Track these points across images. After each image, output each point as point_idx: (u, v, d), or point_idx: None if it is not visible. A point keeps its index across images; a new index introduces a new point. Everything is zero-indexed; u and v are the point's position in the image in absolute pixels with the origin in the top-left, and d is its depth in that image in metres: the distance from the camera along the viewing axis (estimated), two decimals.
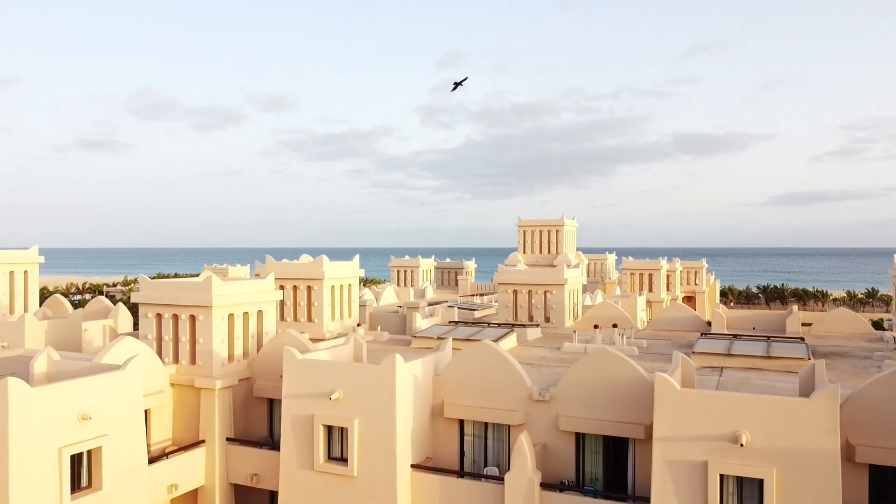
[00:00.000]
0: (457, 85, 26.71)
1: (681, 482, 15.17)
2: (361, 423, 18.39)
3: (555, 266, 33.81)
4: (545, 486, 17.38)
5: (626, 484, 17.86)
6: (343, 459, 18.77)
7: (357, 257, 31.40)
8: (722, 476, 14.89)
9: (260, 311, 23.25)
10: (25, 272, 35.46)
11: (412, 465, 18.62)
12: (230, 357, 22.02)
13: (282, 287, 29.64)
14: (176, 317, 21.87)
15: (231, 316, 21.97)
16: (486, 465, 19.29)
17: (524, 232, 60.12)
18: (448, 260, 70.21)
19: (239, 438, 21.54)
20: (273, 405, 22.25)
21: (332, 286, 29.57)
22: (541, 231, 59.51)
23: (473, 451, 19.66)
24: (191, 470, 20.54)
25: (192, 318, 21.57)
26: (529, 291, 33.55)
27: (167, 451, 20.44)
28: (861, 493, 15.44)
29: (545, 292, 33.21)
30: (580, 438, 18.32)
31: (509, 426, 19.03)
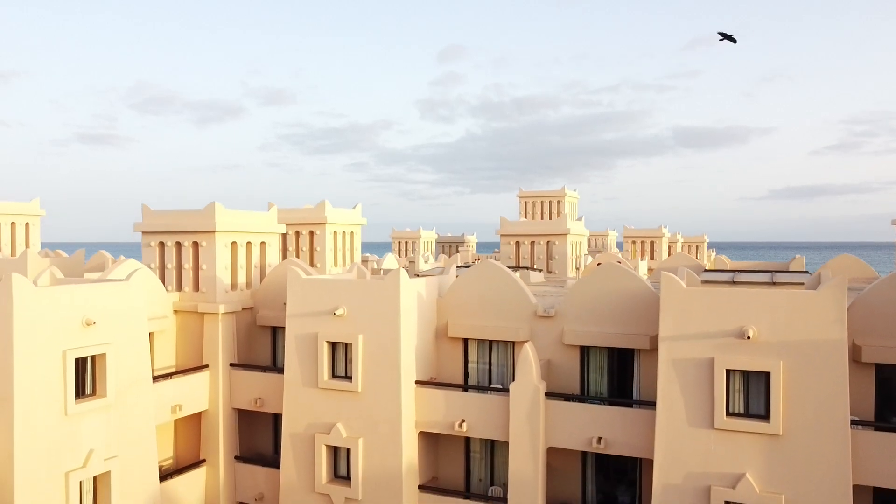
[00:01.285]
0: (725, 37, 23.58)
1: (687, 380, 15.14)
2: (366, 338, 18.35)
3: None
4: (550, 394, 17.36)
5: (631, 396, 17.84)
6: (347, 377, 18.74)
7: (359, 205, 31.33)
8: (728, 371, 14.87)
9: (263, 244, 23.19)
10: (27, 224, 35.44)
11: (417, 382, 18.59)
12: (233, 285, 21.98)
13: (284, 236, 29.59)
14: (179, 245, 21.81)
15: (234, 244, 21.91)
16: (490, 384, 19.26)
17: (525, 203, 59.94)
18: (450, 234, 70.14)
19: (242, 364, 21.51)
20: (276, 333, 22.20)
21: (335, 231, 29.50)
22: (542, 202, 59.35)
23: (478, 371, 19.63)
24: (194, 392, 20.50)
25: (195, 244, 21.52)
26: (532, 242, 33.50)
27: (171, 373, 20.40)
28: (867, 393, 15.41)
29: (548, 243, 33.16)
30: (585, 353, 18.29)
31: (514, 343, 18.99)
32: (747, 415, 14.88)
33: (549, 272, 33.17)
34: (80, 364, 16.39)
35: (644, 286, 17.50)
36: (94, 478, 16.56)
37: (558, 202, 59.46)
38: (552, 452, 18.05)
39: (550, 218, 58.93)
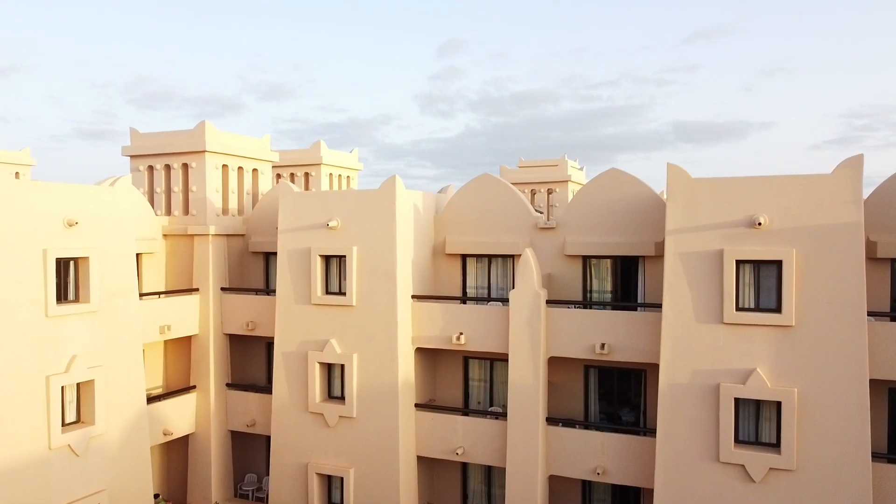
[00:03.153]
0: None
1: (694, 275, 14.49)
2: (360, 250, 17.71)
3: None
4: (552, 302, 16.72)
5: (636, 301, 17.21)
6: (341, 292, 18.09)
7: (356, 150, 30.65)
8: (738, 262, 14.22)
9: (255, 170, 22.52)
10: (17, 174, 34.74)
11: (413, 296, 17.95)
12: (224, 210, 21.31)
13: (278, 176, 28.94)
14: (168, 167, 21.14)
15: (225, 167, 21.24)
16: (489, 300, 18.62)
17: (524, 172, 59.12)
18: None
19: (233, 287, 20.86)
20: (269, 260, 21.55)
21: (330, 174, 28.82)
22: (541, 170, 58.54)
23: (476, 289, 18.98)
24: (184, 315, 19.84)
25: (185, 166, 20.85)
26: (532, 191, 32.84)
27: (160, 292, 19.74)
28: (884, 291, 14.76)
29: (548, 191, 32.50)
30: (587, 263, 17.64)
31: (513, 258, 18.34)
32: (758, 308, 14.23)
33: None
34: (63, 267, 15.74)
35: (649, 192, 16.84)
36: (78, 386, 15.95)
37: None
38: (553, 366, 17.42)
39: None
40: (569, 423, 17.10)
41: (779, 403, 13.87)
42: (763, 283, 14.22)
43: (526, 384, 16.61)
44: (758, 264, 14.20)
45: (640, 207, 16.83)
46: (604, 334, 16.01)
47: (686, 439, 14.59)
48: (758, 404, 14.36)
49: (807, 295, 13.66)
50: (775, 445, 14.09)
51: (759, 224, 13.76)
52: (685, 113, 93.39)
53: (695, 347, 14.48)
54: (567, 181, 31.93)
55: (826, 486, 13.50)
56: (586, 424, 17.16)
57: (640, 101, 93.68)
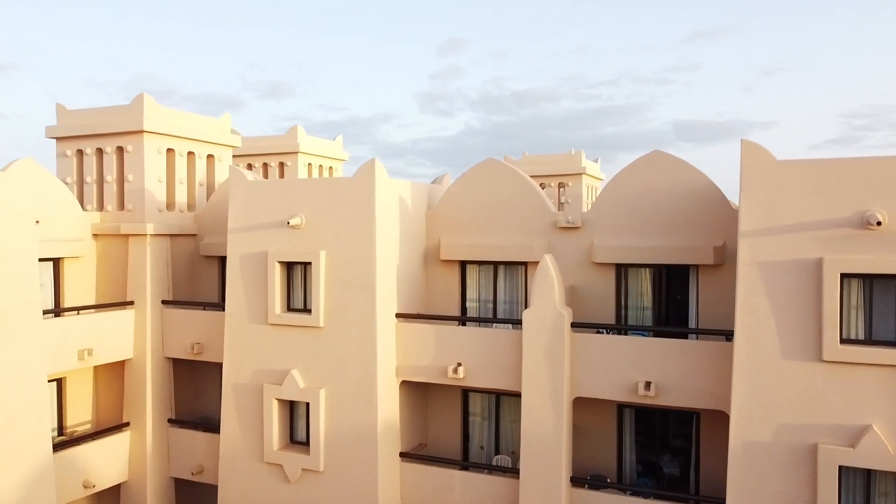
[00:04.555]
0: None
1: (780, 291, 10.52)
2: (330, 256, 13.75)
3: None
4: (578, 325, 12.76)
5: (685, 326, 13.26)
6: (306, 309, 14.15)
7: (340, 137, 26.66)
8: (844, 276, 10.26)
9: (211, 157, 18.55)
10: None
11: (398, 315, 13.99)
12: (169, 204, 17.34)
13: (249, 166, 24.96)
14: (101, 151, 17.17)
15: (171, 152, 17.26)
16: (495, 320, 14.65)
17: (530, 165, 55.21)
18: None
19: (178, 300, 16.88)
20: (225, 265, 17.59)
21: (310, 164, 24.83)
22: (551, 162, 54.58)
23: (479, 304, 15.01)
24: (114, 335, 15.85)
25: (120, 150, 16.86)
26: (542, 184, 28.85)
27: (79, 307, 15.76)
28: None
29: (559, 185, 28.54)
30: (622, 274, 13.67)
31: (526, 265, 14.38)
32: (871, 340, 10.28)
33: None
34: None
35: (705, 180, 12.88)
36: None
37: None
38: (578, 407, 13.48)
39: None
40: (597, 480, 13.17)
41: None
42: (879, 304, 10.27)
43: (544, 433, 12.66)
44: (872, 279, 10.25)
45: (692, 201, 12.88)
46: (649, 370, 12.06)
47: None
48: (871, 476, 10.40)
49: None
50: None
51: (878, 224, 9.79)
52: (685, 112, 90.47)
53: (780, 393, 10.53)
54: (581, 174, 27.97)
55: None
56: (621, 487, 13.19)
57: (640, 100, 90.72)
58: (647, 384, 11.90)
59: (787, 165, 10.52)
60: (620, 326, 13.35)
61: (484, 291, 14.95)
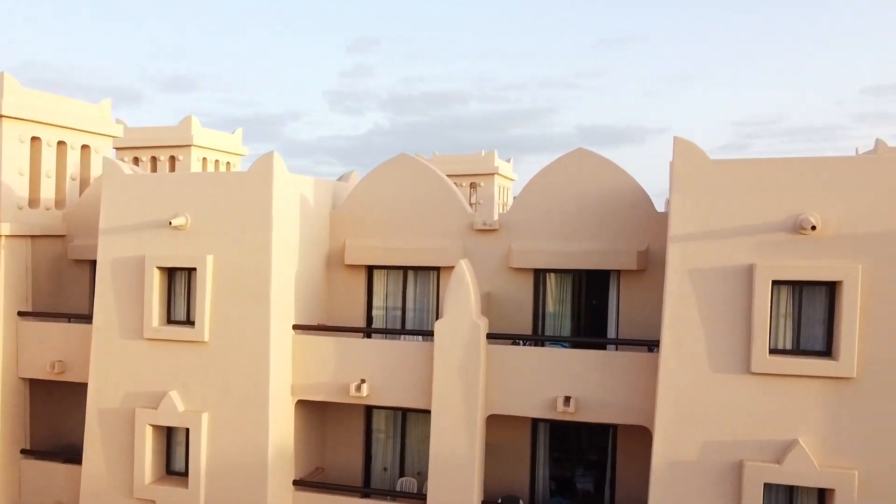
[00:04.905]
0: None
1: (710, 299, 9.85)
2: (219, 260, 12.14)
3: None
4: (495, 336, 11.74)
5: (605, 335, 12.50)
6: (189, 322, 12.47)
7: (240, 130, 24.74)
8: (776, 283, 9.69)
9: (86, 147, 16.39)
10: None
11: (295, 327, 12.54)
12: (33, 201, 15.12)
13: (136, 160, 22.71)
14: None
15: (36, 141, 15.05)
16: (404, 332, 13.44)
17: (440, 164, 54.43)
18: None
19: (39, 312, 14.70)
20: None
21: (204, 158, 22.83)
22: (461, 162, 53.98)
23: (387, 314, 13.75)
24: None
25: None
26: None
27: None
28: None
29: (471, 185, 27.69)
30: (540, 279, 12.77)
31: (439, 271, 13.26)
32: (799, 350, 9.77)
33: None
34: None
35: (630, 181, 12.18)
36: None
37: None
38: (491, 423, 12.46)
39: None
40: (510, 502, 12.20)
41: (831, 493, 9.39)
42: (808, 313, 9.77)
43: (455, 454, 11.54)
44: (802, 286, 9.73)
45: (616, 203, 12.15)
46: (568, 384, 11.16)
47: None
48: (794, 492, 9.87)
49: (873, 332, 9.27)
50: None
51: (813, 228, 9.26)
52: (589, 117, 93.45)
53: (708, 408, 9.85)
54: (494, 174, 27.23)
55: None
56: None
57: (547, 104, 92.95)
58: (567, 399, 11.00)
59: (721, 165, 9.87)
60: (538, 337, 12.45)
61: (392, 299, 13.70)
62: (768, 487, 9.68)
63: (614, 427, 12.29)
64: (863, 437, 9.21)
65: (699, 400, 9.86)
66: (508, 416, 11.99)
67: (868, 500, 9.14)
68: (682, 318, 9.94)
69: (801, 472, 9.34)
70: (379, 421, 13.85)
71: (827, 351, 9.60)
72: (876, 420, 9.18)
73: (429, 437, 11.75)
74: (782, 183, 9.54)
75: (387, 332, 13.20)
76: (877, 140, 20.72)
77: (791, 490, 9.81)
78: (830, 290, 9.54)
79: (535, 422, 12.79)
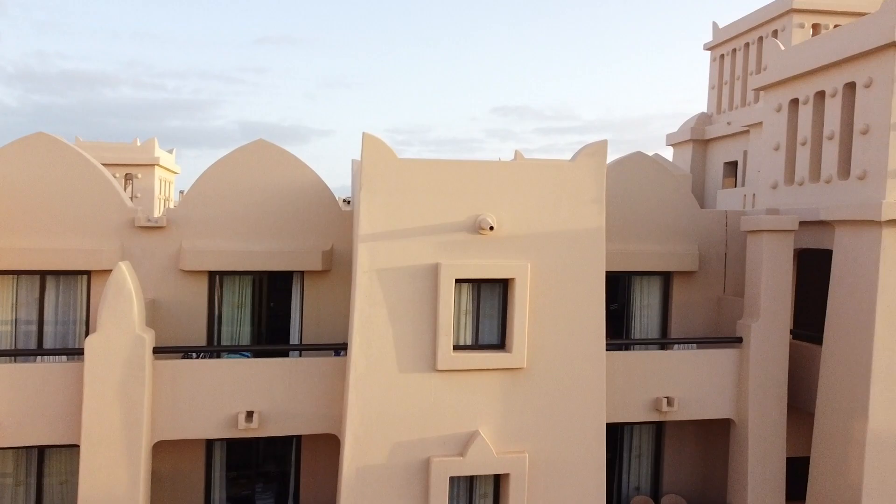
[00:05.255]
0: None
1: (400, 299, 9.76)
2: None
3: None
4: (161, 350, 10.17)
5: (288, 340, 11.75)
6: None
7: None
8: (459, 282, 9.99)
9: None
10: None
11: None
12: None
13: None
14: None
15: None
16: (41, 352, 10.96)
17: (90, 151, 47.66)
18: None
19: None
20: None
21: None
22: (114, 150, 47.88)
23: (13, 325, 11.07)
24: None
25: None
26: None
27: None
28: None
29: (126, 176, 24.44)
30: (216, 283, 11.49)
31: (90, 275, 11.09)
32: (478, 345, 10.24)
33: None
34: None
35: (313, 177, 11.59)
36: None
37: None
38: (159, 452, 10.85)
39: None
40: None
41: (506, 477, 10.03)
42: (487, 308, 10.29)
43: (113, 494, 9.69)
44: (480, 284, 10.20)
45: (299, 200, 11.47)
46: (251, 397, 10.16)
47: None
48: (474, 480, 10.34)
49: (539, 325, 10.12)
50: None
51: (491, 228, 9.73)
52: (252, 113, 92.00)
53: (397, 409, 9.76)
54: (154, 165, 24.41)
55: None
56: None
57: (207, 96, 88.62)
58: (250, 414, 10.02)
59: (408, 164, 9.82)
60: (215, 348, 11.17)
61: (25, 311, 11.07)
62: (453, 480, 9.96)
63: (299, 437, 11.64)
64: (531, 423, 10.01)
65: (388, 402, 9.72)
66: (178, 443, 10.55)
67: (536, 479, 9.96)
68: (372, 319, 9.70)
69: (481, 462, 9.80)
70: (5, 463, 11.10)
71: (502, 344, 10.22)
72: (541, 405, 10.05)
73: (76, 479, 9.70)
74: (464, 184, 9.89)
75: (16, 354, 10.61)
76: (515, 151, 23.57)
77: (472, 479, 10.24)
78: (504, 286, 10.17)
79: (210, 442, 11.50)
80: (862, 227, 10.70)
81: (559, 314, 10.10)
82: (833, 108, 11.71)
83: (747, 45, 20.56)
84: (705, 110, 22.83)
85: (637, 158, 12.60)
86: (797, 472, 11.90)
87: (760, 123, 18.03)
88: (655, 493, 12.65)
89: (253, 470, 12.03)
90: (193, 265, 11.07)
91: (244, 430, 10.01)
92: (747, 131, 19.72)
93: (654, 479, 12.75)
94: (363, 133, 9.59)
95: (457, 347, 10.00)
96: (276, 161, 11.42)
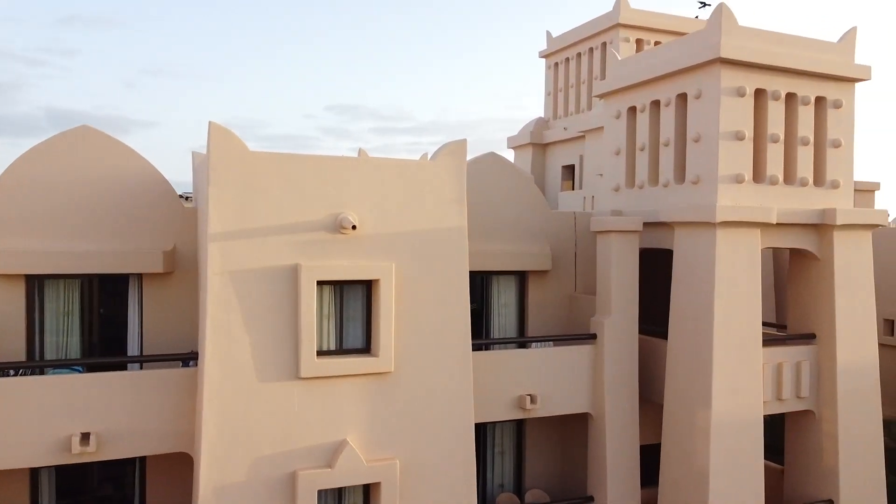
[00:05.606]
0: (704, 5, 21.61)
1: (252, 299, 9.03)
2: None
3: None
4: None
5: (126, 351, 10.55)
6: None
7: None
8: (321, 284, 9.45)
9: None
10: None
11: None
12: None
13: None
14: None
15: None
16: None
17: None
18: None
19: None
20: None
21: None
22: None
23: None
24: None
25: None
26: None
27: None
28: None
29: None
30: (36, 288, 10.04)
31: None
32: (342, 349, 9.77)
33: None
34: None
35: (151, 171, 10.49)
36: None
37: None
38: None
39: None
40: None
41: (377, 486, 9.64)
42: (350, 311, 9.84)
43: None
44: (343, 286, 9.73)
45: (135, 194, 10.32)
46: (87, 417, 8.96)
47: None
48: (344, 492, 9.86)
49: (405, 327, 9.86)
50: None
51: (354, 227, 9.31)
52: (60, 100, 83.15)
53: (258, 421, 9.03)
54: None
55: None
56: None
57: (7, 78, 79.05)
58: (86, 436, 8.82)
59: (261, 158, 9.14)
60: (37, 364, 9.73)
61: None
62: (321, 493, 9.40)
63: (142, 459, 10.48)
64: (400, 427, 9.71)
65: (248, 413, 8.98)
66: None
67: (408, 486, 9.68)
68: (226, 324, 8.91)
69: (351, 472, 9.33)
70: None
71: (367, 348, 9.83)
72: (410, 409, 9.78)
73: None
74: (322, 180, 9.38)
75: None
76: (360, 150, 23.18)
77: (341, 491, 9.74)
78: (368, 288, 9.80)
79: (36, 471, 10.02)
80: (698, 229, 11.57)
81: (425, 315, 9.91)
82: (668, 117, 12.58)
83: (579, 54, 21.65)
84: (542, 115, 23.80)
85: (491, 159, 12.76)
86: (649, 459, 12.65)
87: (596, 129, 19.14)
88: (518, 490, 12.87)
89: (88, 496, 10.64)
90: (7, 268, 9.57)
91: (79, 455, 8.80)
92: (583, 136, 20.79)
93: (516, 476, 12.97)
94: (210, 122, 8.79)
95: (320, 353, 9.46)
96: (105, 150, 10.20)
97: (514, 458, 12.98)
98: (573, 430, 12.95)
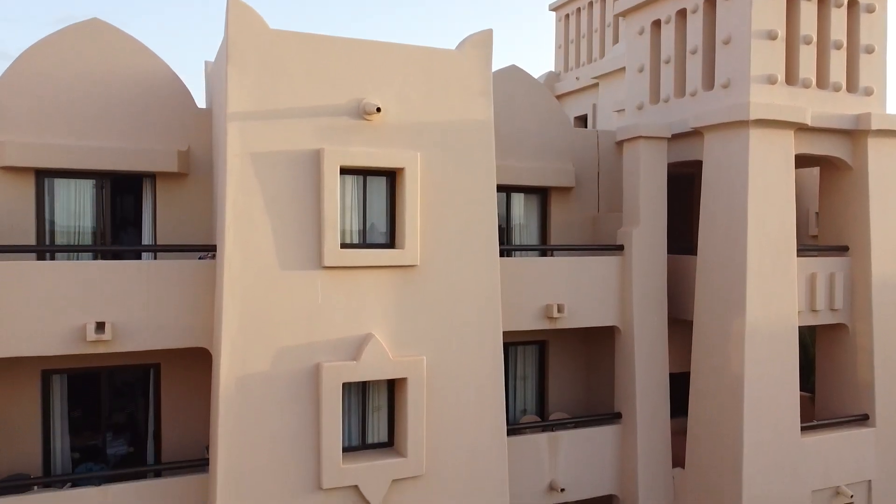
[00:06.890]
0: None
1: (277, 190, 8.66)
2: None
3: None
4: None
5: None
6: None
7: None
8: (343, 171, 9.07)
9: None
10: None
11: None
12: None
13: None
14: None
15: None
16: None
17: None
18: None
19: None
20: None
21: None
22: None
23: None
24: None
25: None
26: None
27: None
28: None
29: None
30: (45, 184, 9.65)
31: None
32: (365, 242, 9.39)
33: None
34: None
35: (164, 69, 10.07)
36: None
37: None
38: None
39: None
40: (18, 479, 8.93)
41: (403, 382, 9.27)
42: (374, 204, 9.46)
43: None
44: (367, 175, 9.35)
45: (148, 91, 9.90)
46: (101, 306, 8.57)
47: (261, 467, 8.61)
48: (368, 387, 9.48)
49: (431, 220, 9.47)
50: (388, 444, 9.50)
51: (378, 110, 8.91)
52: None
53: (280, 312, 8.66)
54: None
55: None
56: (52, 479, 9.22)
57: None
58: (100, 325, 8.44)
59: (282, 37, 8.71)
60: (49, 248, 9.40)
61: None
62: (346, 387, 9.04)
63: (156, 367, 10.12)
64: (427, 326, 9.34)
65: (270, 303, 8.60)
66: (5, 370, 8.70)
67: (435, 384, 9.31)
68: (246, 210, 8.52)
69: (376, 366, 8.97)
70: None
71: (391, 243, 9.44)
72: (437, 307, 9.41)
73: None
74: (346, 64, 8.97)
75: None
76: None
77: (365, 386, 9.38)
78: (392, 181, 9.40)
79: (47, 378, 9.65)
80: (730, 131, 11.17)
81: (451, 210, 9.52)
82: (695, 24, 12.16)
83: (591, 3, 21.23)
84: (552, 70, 23.34)
85: (513, 72, 12.35)
86: (678, 388, 12.24)
87: (609, 73, 18.71)
88: (541, 415, 12.49)
89: (104, 414, 10.22)
90: (16, 161, 9.18)
91: (94, 344, 8.40)
92: (596, 84, 20.36)
93: (539, 401, 12.60)
94: (231, 2, 8.36)
95: (344, 246, 9.08)
96: (117, 45, 9.77)
97: (536, 383, 12.60)
98: (597, 354, 12.58)
